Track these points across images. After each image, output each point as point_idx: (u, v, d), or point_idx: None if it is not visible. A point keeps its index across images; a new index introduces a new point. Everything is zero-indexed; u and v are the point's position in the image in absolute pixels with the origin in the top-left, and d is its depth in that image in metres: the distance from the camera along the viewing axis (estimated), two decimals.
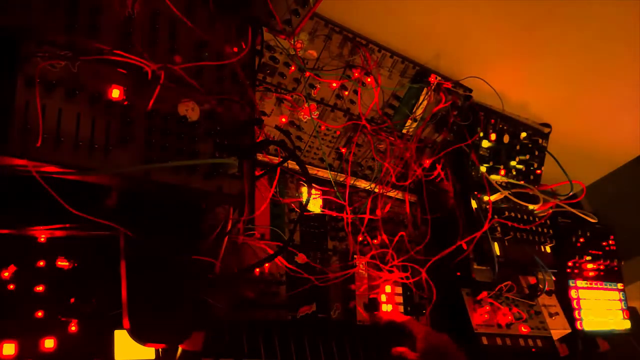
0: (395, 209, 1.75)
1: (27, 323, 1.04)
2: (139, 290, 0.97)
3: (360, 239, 1.59)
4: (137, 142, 0.94)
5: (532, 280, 1.83)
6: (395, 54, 1.63)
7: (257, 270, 1.35)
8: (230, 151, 1.06)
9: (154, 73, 0.96)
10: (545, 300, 1.98)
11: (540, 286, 1.80)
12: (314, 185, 1.55)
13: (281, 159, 1.25)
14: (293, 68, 1.46)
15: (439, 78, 1.72)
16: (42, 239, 1.15)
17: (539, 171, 2.01)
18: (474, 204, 1.74)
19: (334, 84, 1.55)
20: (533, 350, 1.77)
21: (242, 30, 1.14)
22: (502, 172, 1.86)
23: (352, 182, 1.67)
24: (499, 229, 1.75)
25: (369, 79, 1.58)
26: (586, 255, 2.25)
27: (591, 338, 2.20)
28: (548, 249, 1.95)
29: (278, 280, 1.38)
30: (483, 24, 1.68)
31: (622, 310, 2.34)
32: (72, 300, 1.12)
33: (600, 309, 2.24)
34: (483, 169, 1.79)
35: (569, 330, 2.03)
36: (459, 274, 1.74)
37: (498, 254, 1.72)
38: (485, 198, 1.74)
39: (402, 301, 1.63)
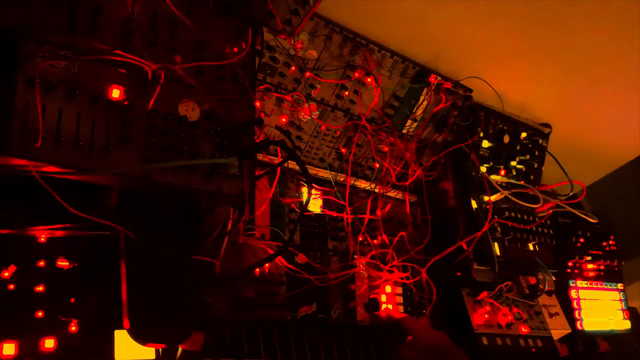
0: (395, 209, 1.75)
1: (27, 323, 1.04)
2: (139, 290, 0.97)
3: (361, 239, 1.59)
4: (137, 142, 0.94)
5: (532, 280, 1.83)
6: (395, 54, 1.63)
7: (257, 270, 1.35)
8: (230, 151, 1.06)
9: (154, 73, 0.96)
10: (545, 300, 1.98)
11: (540, 286, 1.80)
12: (314, 185, 1.55)
13: (281, 159, 1.25)
14: (293, 68, 1.46)
15: (439, 78, 1.72)
16: (42, 239, 1.15)
17: (539, 171, 2.01)
18: (474, 204, 1.74)
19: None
20: (533, 350, 1.77)
21: (242, 30, 1.14)
22: (502, 172, 1.86)
23: (352, 182, 1.67)
24: (499, 229, 1.75)
25: (369, 79, 1.58)
26: (586, 255, 2.25)
27: (591, 338, 2.20)
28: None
29: (278, 280, 1.38)
30: (483, 24, 1.68)
31: (622, 310, 2.34)
32: (72, 300, 1.12)
33: (600, 309, 2.23)
34: (483, 169, 1.79)
35: (569, 331, 2.03)
36: (459, 274, 1.74)
37: (498, 254, 1.72)
38: (486, 198, 1.74)
39: (402, 301, 1.63)
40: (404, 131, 1.76)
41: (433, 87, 1.71)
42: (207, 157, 1.03)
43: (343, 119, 1.64)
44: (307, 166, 1.22)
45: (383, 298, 1.58)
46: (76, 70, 0.89)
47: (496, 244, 1.74)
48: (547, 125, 2.06)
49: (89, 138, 0.89)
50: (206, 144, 1.04)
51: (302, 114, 1.54)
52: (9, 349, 0.99)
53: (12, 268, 1.09)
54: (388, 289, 1.60)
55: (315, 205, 1.56)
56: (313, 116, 1.56)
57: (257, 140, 1.13)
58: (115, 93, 0.93)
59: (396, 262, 1.61)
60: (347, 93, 1.60)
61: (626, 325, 2.32)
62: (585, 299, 2.19)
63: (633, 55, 1.83)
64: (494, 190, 1.74)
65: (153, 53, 0.98)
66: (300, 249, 1.45)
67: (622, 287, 2.39)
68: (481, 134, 1.83)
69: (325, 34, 1.48)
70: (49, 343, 1.03)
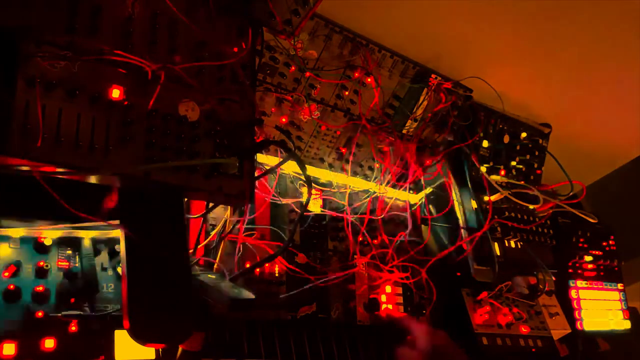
0: (395, 209, 1.75)
1: (27, 323, 1.04)
2: (139, 290, 0.97)
3: (360, 239, 1.59)
4: (137, 142, 0.94)
5: (532, 280, 1.83)
6: (395, 54, 1.63)
7: (257, 270, 1.35)
8: (230, 151, 1.06)
9: (154, 73, 0.96)
10: (545, 301, 1.98)
11: (540, 286, 1.80)
12: (314, 185, 1.55)
13: (281, 159, 1.25)
14: (293, 68, 1.46)
15: (439, 78, 1.72)
16: (43, 239, 1.15)
17: (539, 171, 2.01)
18: (474, 204, 1.73)
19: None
20: (533, 350, 1.77)
21: (242, 30, 1.14)
22: (502, 172, 1.86)
23: (352, 182, 1.67)
24: (499, 229, 1.75)
25: (369, 79, 1.58)
26: (586, 256, 2.25)
27: (591, 338, 2.20)
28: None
29: (278, 280, 1.38)
30: (483, 24, 1.68)
31: (622, 310, 2.33)
32: (72, 300, 1.12)
33: (600, 309, 2.23)
34: (483, 169, 1.78)
35: (569, 331, 2.02)
36: (459, 274, 1.74)
37: (498, 254, 1.72)
38: (486, 198, 1.74)
39: (402, 301, 1.63)
40: (404, 131, 1.76)
41: (433, 87, 1.71)
42: (207, 157, 1.03)
43: (343, 119, 1.64)
44: (307, 166, 1.22)
45: (383, 298, 1.58)
46: (76, 70, 0.88)
47: (496, 244, 1.73)
48: (547, 125, 2.05)
49: (89, 138, 0.89)
50: (206, 144, 1.04)
51: (302, 114, 1.54)
52: (9, 349, 0.99)
53: (12, 268, 1.09)
54: (388, 289, 1.60)
55: (315, 206, 1.56)
56: (313, 116, 1.56)
57: (257, 140, 1.13)
58: (115, 93, 0.92)
59: (396, 262, 1.61)
60: (347, 93, 1.60)
61: (626, 325, 2.31)
62: (585, 299, 2.19)
63: (633, 55, 1.84)
64: (494, 190, 1.74)
65: (153, 53, 0.98)
66: (300, 249, 1.45)
67: (622, 287, 2.39)
68: (481, 134, 1.82)
69: (325, 34, 1.48)
70: (49, 343, 1.03)
